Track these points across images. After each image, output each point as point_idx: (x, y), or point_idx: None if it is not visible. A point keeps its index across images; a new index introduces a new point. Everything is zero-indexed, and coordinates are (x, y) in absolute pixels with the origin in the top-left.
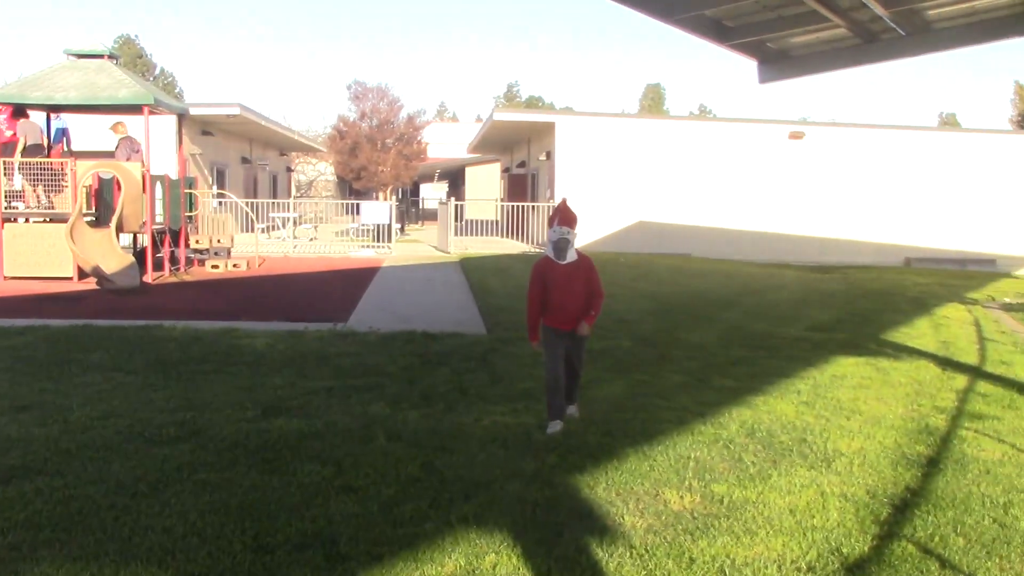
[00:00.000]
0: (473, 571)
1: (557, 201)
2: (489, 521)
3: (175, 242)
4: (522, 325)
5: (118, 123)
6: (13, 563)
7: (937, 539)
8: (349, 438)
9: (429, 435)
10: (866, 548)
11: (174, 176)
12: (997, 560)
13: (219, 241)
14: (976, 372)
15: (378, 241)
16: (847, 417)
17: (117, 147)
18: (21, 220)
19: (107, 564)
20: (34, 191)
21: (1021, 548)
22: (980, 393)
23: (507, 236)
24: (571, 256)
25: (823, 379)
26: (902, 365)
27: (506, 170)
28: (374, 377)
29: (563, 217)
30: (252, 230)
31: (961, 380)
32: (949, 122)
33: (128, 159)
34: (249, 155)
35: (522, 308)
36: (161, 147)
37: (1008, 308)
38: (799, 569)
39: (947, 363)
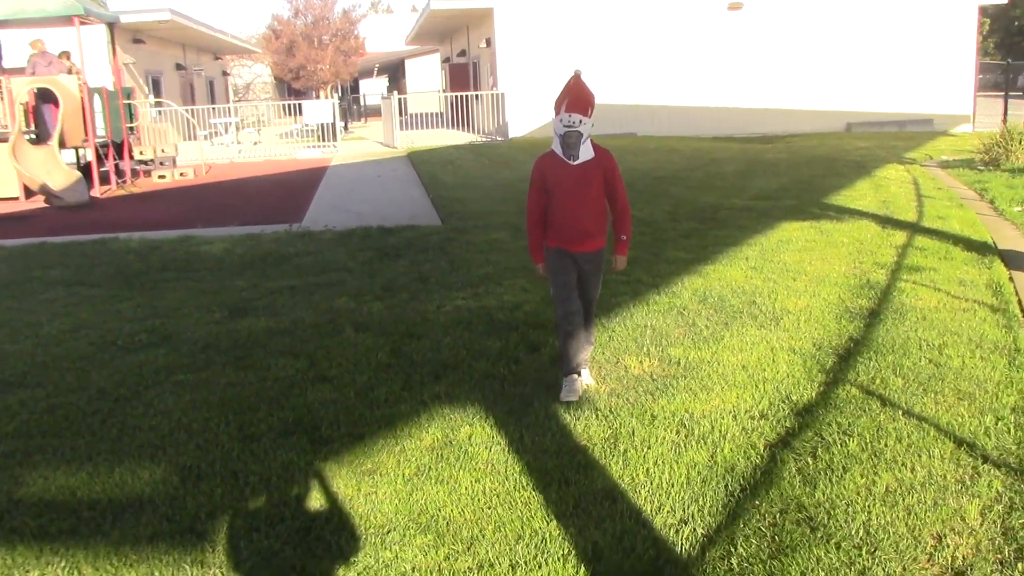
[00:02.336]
0: (450, 442)
1: (500, 89)
2: (461, 398)
3: (119, 154)
4: (478, 214)
5: (37, 40)
6: (10, 469)
7: (878, 381)
8: (318, 332)
9: (395, 324)
10: (813, 394)
11: (111, 88)
12: (932, 395)
13: (163, 151)
14: (914, 228)
15: (323, 140)
16: (793, 278)
17: (28, 63)
18: None
19: (101, 463)
20: None
21: (954, 384)
22: (918, 247)
23: (453, 127)
24: (585, 153)
25: (770, 244)
26: (844, 226)
27: (446, 60)
28: (335, 273)
29: (574, 99)
30: (194, 138)
31: (900, 236)
32: None
33: (34, 74)
34: (183, 61)
35: (475, 197)
36: (94, 58)
37: (945, 165)
38: (752, 417)
39: (887, 221)
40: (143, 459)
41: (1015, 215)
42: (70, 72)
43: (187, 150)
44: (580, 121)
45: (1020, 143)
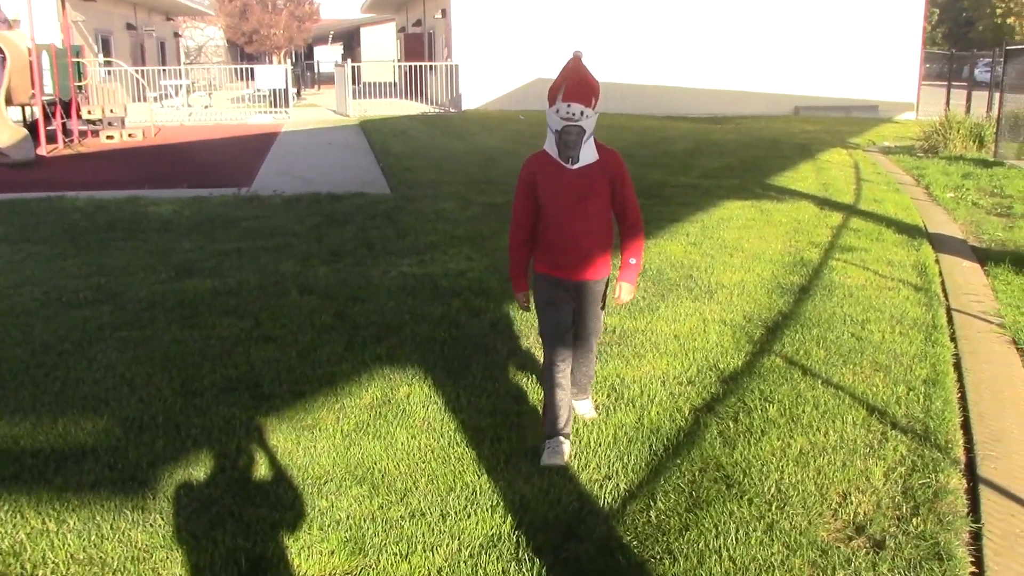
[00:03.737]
0: (389, 401)
1: (454, 60)
2: (401, 359)
3: (67, 113)
4: (427, 183)
5: None
6: None
7: (802, 352)
8: (263, 294)
9: (340, 287)
10: (740, 363)
11: (59, 45)
12: (851, 366)
13: (112, 111)
14: (851, 210)
15: (275, 107)
16: (730, 254)
17: None
18: None
19: (44, 415)
20: None
21: (872, 356)
22: (853, 228)
23: (406, 97)
24: (588, 155)
25: (711, 222)
26: (784, 206)
27: (402, 30)
28: (282, 237)
29: (575, 86)
30: (144, 99)
31: (837, 217)
32: None
33: None
34: (134, 21)
35: (425, 167)
36: (42, 15)
37: (886, 151)
38: (680, 383)
39: (825, 203)
40: (86, 411)
41: (947, 201)
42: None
43: (136, 111)
44: (582, 113)
45: (958, 132)
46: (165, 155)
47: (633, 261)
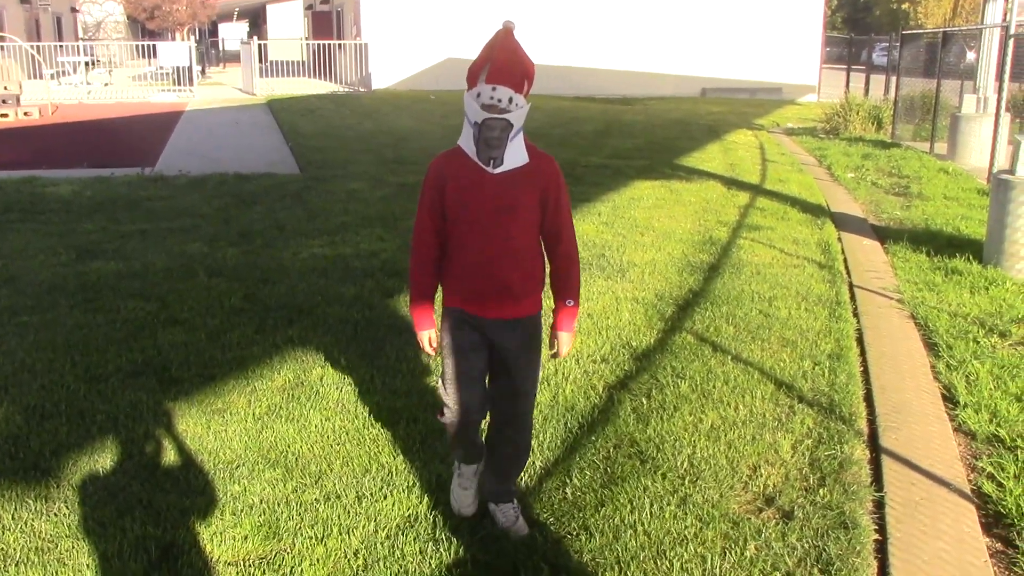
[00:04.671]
0: (301, 383)
1: (364, 39)
2: (314, 341)
3: None
4: (337, 163)
5: None
6: None
7: (712, 329)
8: (169, 276)
9: (249, 269)
10: (652, 340)
11: None
12: (760, 342)
13: (5, 88)
14: (757, 190)
15: (179, 84)
16: (641, 233)
17: None
18: None
19: None
20: None
21: (779, 332)
22: (759, 208)
23: (315, 76)
24: (515, 157)
25: (622, 201)
26: (693, 186)
27: (309, 7)
28: (188, 219)
29: (502, 65)
30: (40, 76)
31: (743, 197)
32: None
33: None
34: None
35: (335, 147)
36: None
37: (790, 132)
38: (594, 361)
39: (732, 183)
40: None
41: (848, 181)
42: None
43: (32, 89)
44: (511, 100)
45: (858, 114)
46: (64, 134)
47: (570, 303)
